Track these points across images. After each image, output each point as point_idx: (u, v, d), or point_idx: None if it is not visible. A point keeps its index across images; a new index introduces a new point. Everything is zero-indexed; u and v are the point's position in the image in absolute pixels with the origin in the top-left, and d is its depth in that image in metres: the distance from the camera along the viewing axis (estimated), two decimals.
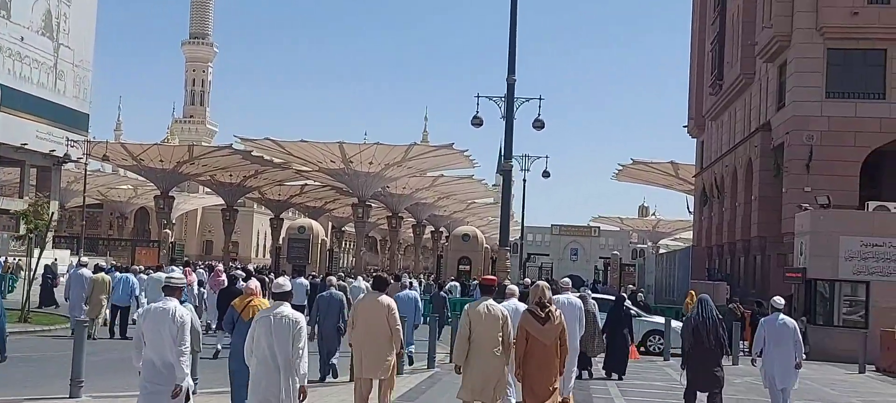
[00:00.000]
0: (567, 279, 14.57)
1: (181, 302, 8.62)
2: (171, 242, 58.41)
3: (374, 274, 13.92)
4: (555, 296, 11.43)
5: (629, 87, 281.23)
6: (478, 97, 33.23)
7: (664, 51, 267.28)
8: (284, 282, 8.58)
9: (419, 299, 18.30)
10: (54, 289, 28.55)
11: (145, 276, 22.67)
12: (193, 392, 8.64)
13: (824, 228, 23.17)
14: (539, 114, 32.68)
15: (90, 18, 54.32)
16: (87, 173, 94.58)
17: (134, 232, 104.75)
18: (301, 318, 8.15)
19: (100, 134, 68.22)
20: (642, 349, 22.35)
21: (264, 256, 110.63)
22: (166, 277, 8.93)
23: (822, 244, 23.03)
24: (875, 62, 31.57)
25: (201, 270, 29.17)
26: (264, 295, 11.06)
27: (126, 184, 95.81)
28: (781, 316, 12.24)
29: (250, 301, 9.95)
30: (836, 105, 31.57)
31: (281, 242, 65.20)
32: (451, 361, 15.80)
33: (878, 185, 32.31)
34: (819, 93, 31.59)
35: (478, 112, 33.40)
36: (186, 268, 25.77)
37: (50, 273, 28.09)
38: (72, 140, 49.38)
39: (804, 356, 12.70)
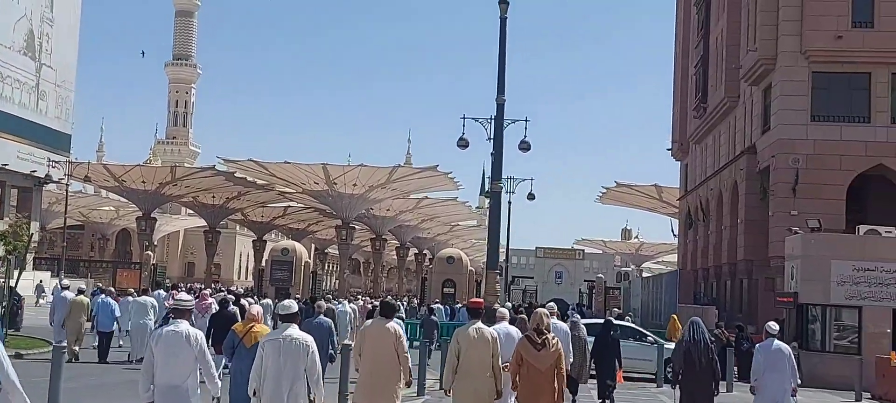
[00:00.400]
0: (552, 303, 14.62)
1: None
2: (153, 264, 57.78)
3: (382, 299, 13.41)
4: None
5: (612, 110, 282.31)
6: (464, 119, 33.08)
7: (647, 74, 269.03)
8: (291, 304, 8.53)
9: (402, 326, 17.85)
10: (20, 311, 27.95)
11: (131, 299, 22.31)
12: None
13: (815, 252, 23.05)
14: (525, 136, 32.70)
15: (73, 39, 53.88)
16: (69, 194, 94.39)
17: (116, 253, 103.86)
18: (311, 340, 8.16)
19: (82, 154, 67.81)
20: None
21: (247, 278, 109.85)
22: (175, 299, 8.91)
23: (813, 268, 22.88)
24: (860, 85, 31.72)
25: (184, 293, 28.70)
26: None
27: (108, 205, 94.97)
28: (776, 341, 12.36)
29: (252, 327, 9.91)
30: (821, 128, 31.65)
31: (264, 264, 64.74)
32: (440, 388, 15.60)
33: (863, 209, 32.34)
34: (804, 116, 31.68)
35: (464, 134, 33.37)
36: (172, 291, 25.36)
37: (16, 296, 27.60)
38: (53, 161, 48.78)
39: (799, 381, 12.72)
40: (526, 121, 32.94)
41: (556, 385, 9.49)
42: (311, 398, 8.02)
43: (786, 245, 25.12)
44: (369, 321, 11.61)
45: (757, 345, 13.14)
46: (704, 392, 11.35)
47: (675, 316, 29.62)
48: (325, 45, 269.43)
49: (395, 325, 9.92)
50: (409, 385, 10.12)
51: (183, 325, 7.88)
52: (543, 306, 13.98)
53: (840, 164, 31.33)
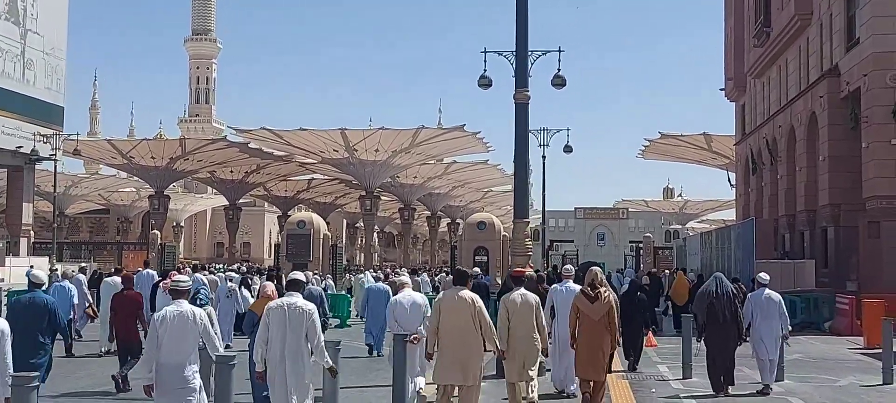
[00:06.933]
0: (569, 267, 14.56)
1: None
2: (161, 244, 53.35)
3: (455, 268, 13.67)
4: (556, 285, 13.08)
5: (652, 56, 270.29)
6: (485, 52, 28.03)
7: (691, 11, 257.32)
8: (297, 273, 9.16)
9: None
10: None
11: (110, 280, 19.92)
12: None
13: None
14: (559, 70, 27.45)
15: (61, 2, 49.38)
16: (89, 177, 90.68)
17: (142, 236, 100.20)
18: (313, 308, 8.50)
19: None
20: None
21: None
22: (173, 281, 9.03)
23: None
24: None
25: (200, 275, 23.98)
26: None
27: (128, 186, 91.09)
28: (767, 290, 13.10)
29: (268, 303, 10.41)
30: None
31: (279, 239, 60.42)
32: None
33: None
34: None
35: (486, 70, 28.19)
36: (170, 273, 21.75)
37: None
38: (42, 135, 44.29)
39: (790, 328, 13.46)
40: (559, 51, 27.76)
41: (610, 330, 10.48)
42: (313, 360, 8.34)
43: None
44: (443, 292, 11.30)
45: (749, 295, 13.63)
46: (728, 344, 12.44)
47: (682, 273, 27.33)
48: (349, 18, 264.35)
49: (471, 294, 9.69)
50: (497, 355, 10.50)
51: (184, 306, 8.13)
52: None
53: None
